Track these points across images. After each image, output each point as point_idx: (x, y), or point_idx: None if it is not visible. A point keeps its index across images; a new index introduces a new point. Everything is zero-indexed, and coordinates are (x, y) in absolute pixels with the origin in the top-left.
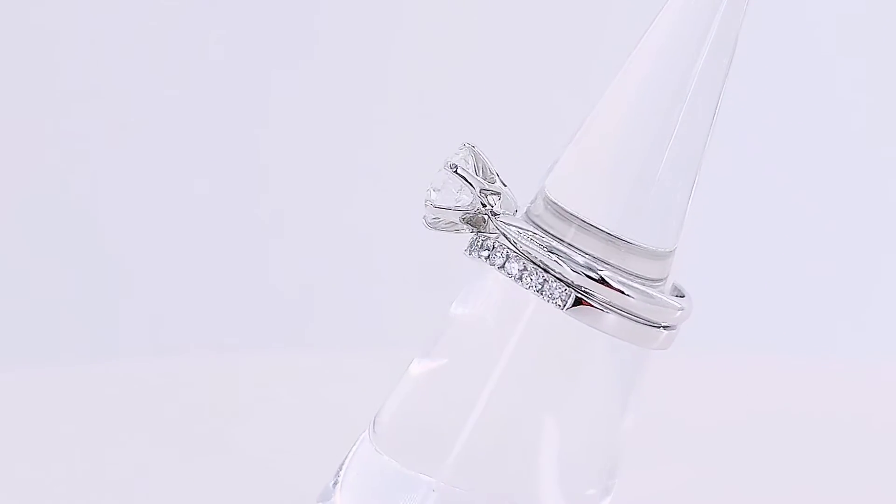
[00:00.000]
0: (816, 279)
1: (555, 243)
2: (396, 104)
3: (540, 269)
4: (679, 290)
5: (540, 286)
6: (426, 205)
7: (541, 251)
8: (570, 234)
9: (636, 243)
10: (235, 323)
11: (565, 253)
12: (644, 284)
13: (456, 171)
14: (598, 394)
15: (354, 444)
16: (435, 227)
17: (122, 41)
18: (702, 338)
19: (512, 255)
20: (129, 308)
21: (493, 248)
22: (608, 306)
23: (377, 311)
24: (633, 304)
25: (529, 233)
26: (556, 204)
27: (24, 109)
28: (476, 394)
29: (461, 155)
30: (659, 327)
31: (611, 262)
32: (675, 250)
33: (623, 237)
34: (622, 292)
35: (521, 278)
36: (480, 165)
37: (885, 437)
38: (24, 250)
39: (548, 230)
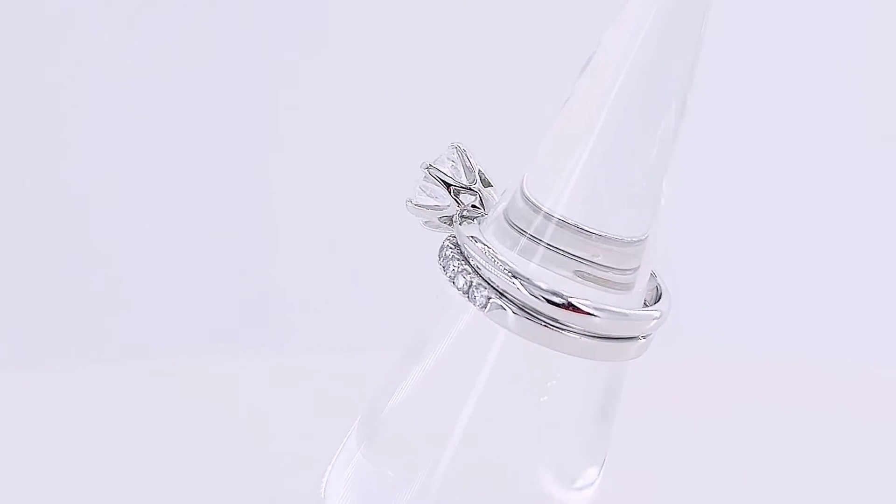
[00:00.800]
0: (813, 280)
1: (515, 265)
2: (395, 104)
3: (468, 272)
4: (657, 281)
5: (466, 289)
6: (406, 204)
7: (499, 274)
8: (548, 232)
9: (611, 236)
10: (234, 323)
11: (527, 278)
12: (619, 275)
13: (430, 171)
14: (584, 384)
15: (344, 439)
16: (430, 227)
17: (120, 40)
18: (698, 339)
19: (453, 257)
20: (129, 308)
21: (442, 248)
22: (579, 331)
23: (375, 311)
24: (599, 324)
25: (490, 252)
26: (530, 200)
27: (22, 107)
28: (458, 391)
29: (445, 155)
30: (636, 338)
31: (596, 260)
32: (648, 237)
33: (598, 231)
34: (591, 315)
35: (453, 280)
36: (465, 165)
37: (884, 439)
38: (22, 250)
39: (524, 229)
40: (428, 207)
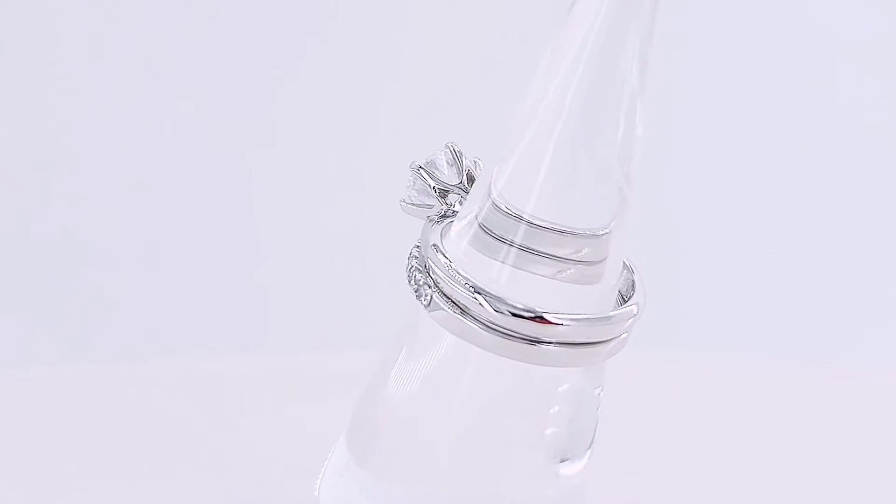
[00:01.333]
0: (812, 281)
1: (476, 279)
2: (392, 102)
3: (420, 272)
4: (629, 269)
5: (416, 290)
6: (399, 204)
7: (461, 290)
8: (519, 234)
9: (577, 228)
10: (230, 323)
11: (493, 295)
12: (590, 268)
13: (418, 171)
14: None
15: (336, 441)
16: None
17: (115, 41)
18: (695, 340)
19: (412, 255)
20: (125, 308)
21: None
22: (552, 343)
23: (373, 311)
24: (574, 333)
25: (452, 269)
26: (496, 203)
27: (20, 108)
28: (441, 389)
29: (437, 154)
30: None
31: (576, 257)
32: (614, 224)
33: (568, 226)
34: (561, 325)
35: (409, 280)
36: (458, 166)
37: (884, 440)
38: (16, 251)
39: (497, 234)
40: (418, 206)
